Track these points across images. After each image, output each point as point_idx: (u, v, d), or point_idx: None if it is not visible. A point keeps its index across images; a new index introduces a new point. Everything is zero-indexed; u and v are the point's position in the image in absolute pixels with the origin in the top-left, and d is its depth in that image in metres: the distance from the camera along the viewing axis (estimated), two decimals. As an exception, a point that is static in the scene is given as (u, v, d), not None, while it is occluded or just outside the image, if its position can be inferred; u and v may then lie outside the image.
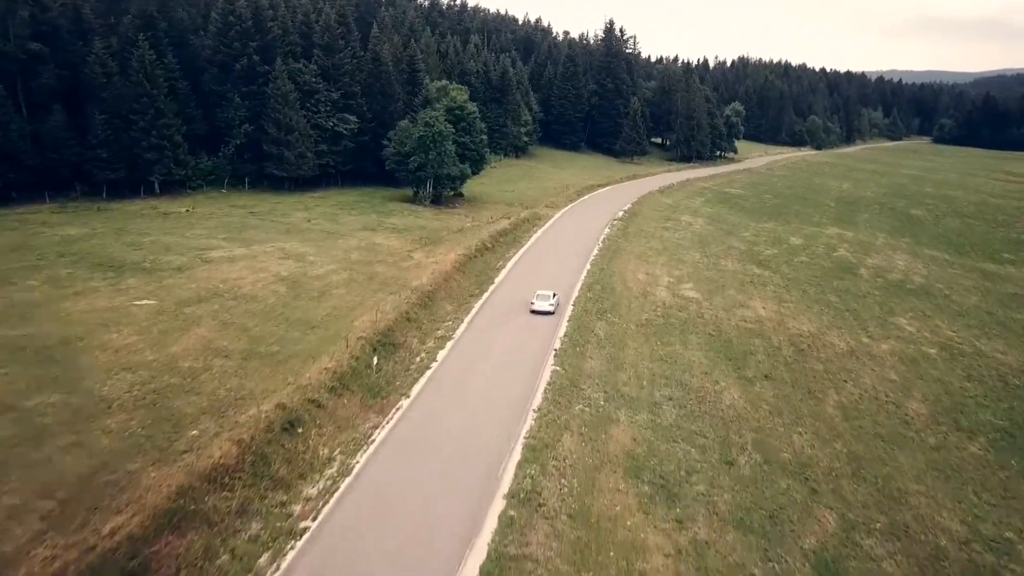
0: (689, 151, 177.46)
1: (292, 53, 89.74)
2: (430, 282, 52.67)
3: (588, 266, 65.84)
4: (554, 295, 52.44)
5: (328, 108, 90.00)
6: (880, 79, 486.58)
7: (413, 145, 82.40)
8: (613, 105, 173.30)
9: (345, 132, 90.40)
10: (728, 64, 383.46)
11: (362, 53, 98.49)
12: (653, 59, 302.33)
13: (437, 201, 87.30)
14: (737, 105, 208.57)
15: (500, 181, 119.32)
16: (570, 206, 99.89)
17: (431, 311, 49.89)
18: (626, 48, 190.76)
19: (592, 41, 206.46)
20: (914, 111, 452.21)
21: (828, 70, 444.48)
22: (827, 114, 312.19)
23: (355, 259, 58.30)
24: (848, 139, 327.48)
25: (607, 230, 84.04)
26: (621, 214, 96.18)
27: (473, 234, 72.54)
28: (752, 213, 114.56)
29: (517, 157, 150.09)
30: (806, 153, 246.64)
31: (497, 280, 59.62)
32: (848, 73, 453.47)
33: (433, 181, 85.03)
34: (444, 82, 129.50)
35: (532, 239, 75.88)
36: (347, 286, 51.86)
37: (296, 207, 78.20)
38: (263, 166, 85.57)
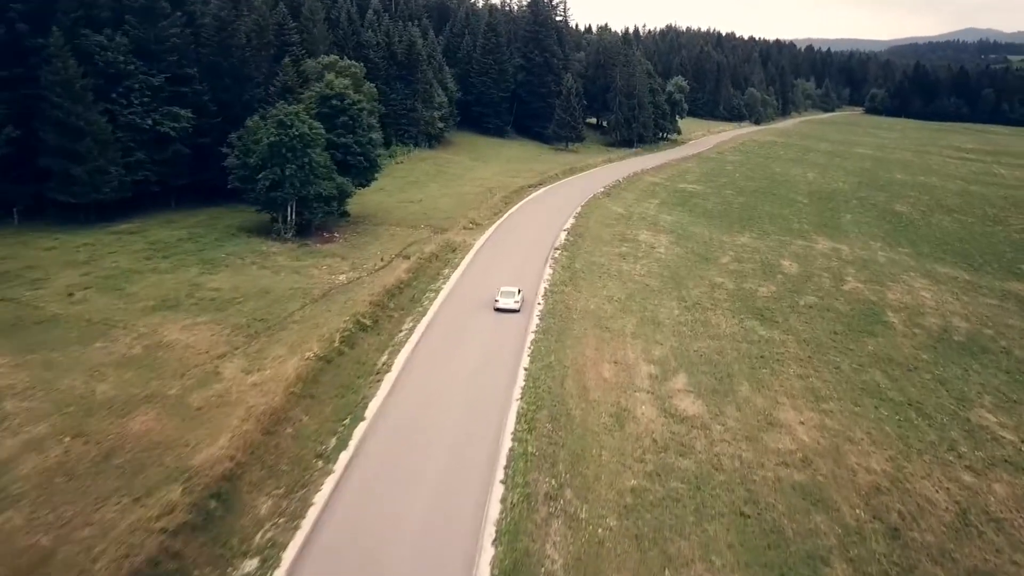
0: (630, 134, 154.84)
1: (87, 20, 61.81)
2: (230, 451, 27.71)
3: (526, 359, 41.69)
4: None
5: (147, 100, 62.84)
6: (810, 48, 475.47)
7: (262, 154, 56.31)
8: (543, 82, 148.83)
9: (174, 133, 63.41)
10: (658, 33, 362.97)
11: (202, 19, 70.91)
12: (583, 28, 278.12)
13: (305, 231, 61.41)
14: (680, 80, 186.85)
15: (405, 185, 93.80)
16: (495, 225, 75.48)
17: (216, 532, 25.06)
18: (556, 15, 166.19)
19: (516, 8, 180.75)
20: (844, 81, 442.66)
21: (758, 39, 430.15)
22: (763, 86, 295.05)
23: (98, 398, 31.99)
24: (784, 111, 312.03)
25: (548, 268, 59.98)
26: (563, 236, 72.36)
27: (346, 298, 47.54)
28: (720, 220, 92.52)
29: (431, 147, 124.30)
30: (749, 130, 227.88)
31: (371, 409, 34.83)
32: (778, 42, 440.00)
33: (296, 204, 59.09)
34: (332, 58, 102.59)
35: (440, 297, 51.08)
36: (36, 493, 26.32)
37: (74, 257, 50.89)
38: (42, 188, 58.09)
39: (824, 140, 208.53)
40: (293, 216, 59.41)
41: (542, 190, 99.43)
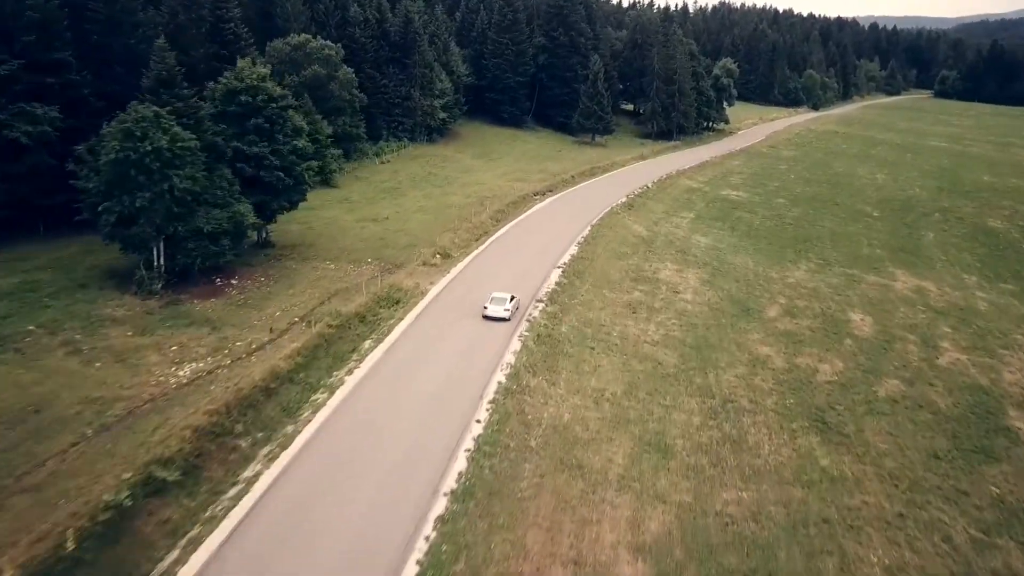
0: (668, 124, 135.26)
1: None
2: None
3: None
4: None
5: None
6: (874, 26, 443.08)
7: (106, 176, 39.86)
8: (568, 65, 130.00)
9: (27, 139, 47.44)
10: (709, 11, 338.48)
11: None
12: (620, 3, 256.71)
13: (186, 278, 44.77)
14: (728, 63, 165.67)
15: (378, 194, 77.09)
16: (471, 257, 58.40)
17: None
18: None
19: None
20: (910, 61, 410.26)
21: (818, 16, 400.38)
22: (822, 67, 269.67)
23: None
24: (845, 95, 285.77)
25: (517, 341, 42.35)
26: (556, 275, 54.99)
27: (163, 419, 30.80)
28: (769, 242, 73.79)
29: (431, 141, 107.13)
30: (806, 118, 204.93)
31: None
32: (840, 20, 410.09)
33: (164, 246, 42.53)
34: (304, 37, 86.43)
35: (322, 414, 33.41)
36: None
37: None
38: None
39: (891, 129, 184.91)
40: (161, 260, 42.89)
41: (549, 199, 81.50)
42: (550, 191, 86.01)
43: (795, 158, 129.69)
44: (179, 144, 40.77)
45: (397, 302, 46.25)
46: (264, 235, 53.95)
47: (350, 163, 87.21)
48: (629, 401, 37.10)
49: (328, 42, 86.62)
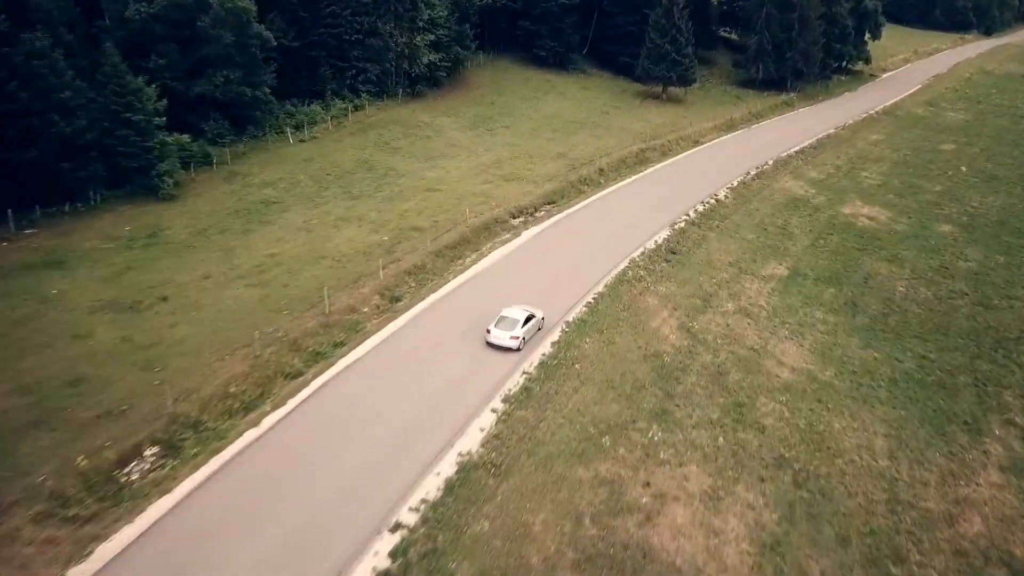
0: (780, 70, 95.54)
1: None
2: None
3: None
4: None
5: None
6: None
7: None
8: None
9: None
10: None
11: None
12: None
13: None
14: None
15: (222, 218, 45.68)
16: (233, 452, 26.52)
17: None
18: None
19: None
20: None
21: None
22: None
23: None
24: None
25: None
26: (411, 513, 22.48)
27: None
28: (926, 344, 38.55)
29: (414, 95, 74.00)
30: (977, 48, 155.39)
31: None
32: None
33: None
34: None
35: None
36: None
37: None
38: None
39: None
40: None
41: (527, 235, 47.76)
42: (547, 207, 52.15)
43: (967, 126, 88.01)
44: None
45: None
46: None
47: (241, 144, 55.84)
48: None
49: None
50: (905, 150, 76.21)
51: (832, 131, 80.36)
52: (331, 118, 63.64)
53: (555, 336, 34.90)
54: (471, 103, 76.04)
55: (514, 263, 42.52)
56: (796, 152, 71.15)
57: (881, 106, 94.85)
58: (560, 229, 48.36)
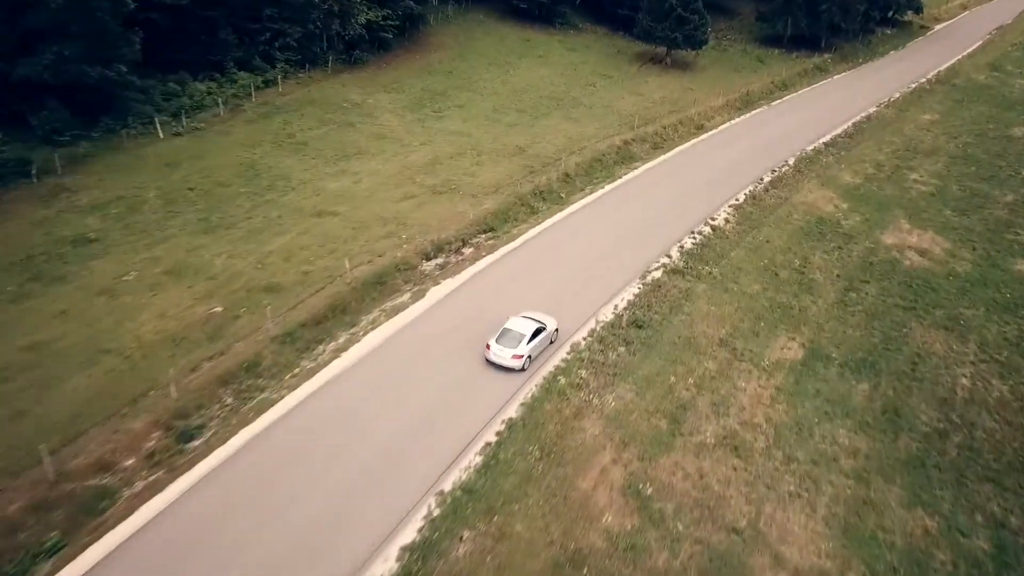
0: (814, 27, 79.16)
1: None
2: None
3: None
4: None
5: None
6: None
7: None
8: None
9: None
10: None
11: None
12: None
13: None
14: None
15: None
16: None
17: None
18: None
19: None
20: None
21: None
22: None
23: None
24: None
25: None
26: None
27: None
28: (1004, 495, 24.81)
29: (351, 62, 59.71)
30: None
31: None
32: None
33: None
34: None
35: None
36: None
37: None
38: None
39: None
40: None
41: (446, 288, 34.35)
42: (480, 239, 38.40)
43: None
44: None
45: None
46: None
47: (88, 142, 42.28)
48: None
49: None
50: (965, 136, 60.77)
51: (874, 109, 64.87)
52: (225, 100, 49.59)
53: (410, 535, 21.65)
54: (423, 72, 61.45)
55: (399, 356, 29.12)
56: (827, 143, 56.19)
57: (934, 71, 78.43)
58: (486, 282, 34.76)
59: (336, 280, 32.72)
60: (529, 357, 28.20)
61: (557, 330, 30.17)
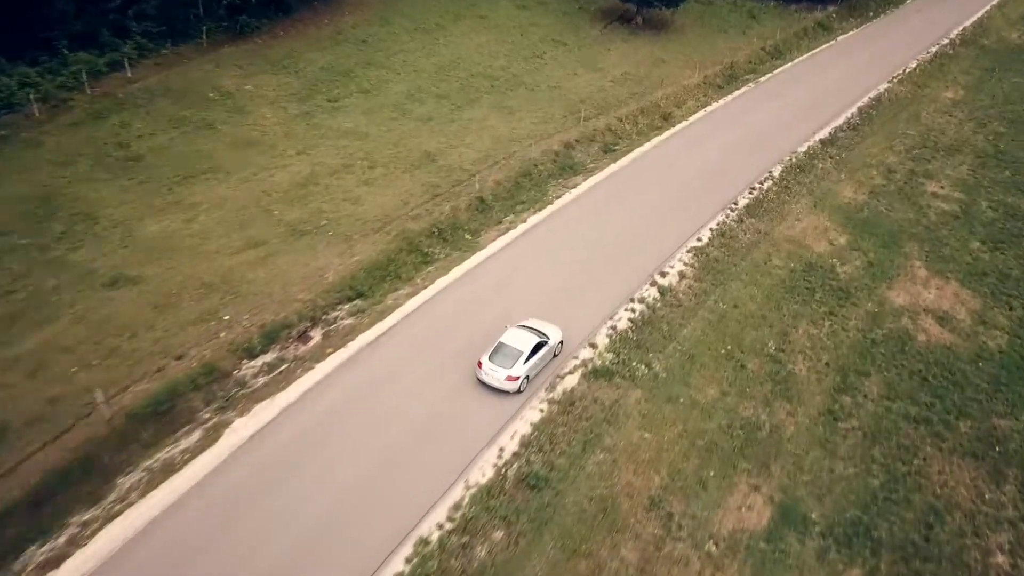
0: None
1: None
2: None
3: None
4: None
5: None
6: None
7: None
8: None
9: None
10: None
11: None
12: None
13: None
14: None
15: None
16: None
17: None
18: None
19: None
20: None
21: None
22: None
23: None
24: None
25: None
26: None
27: None
28: None
29: (238, 32, 47.72)
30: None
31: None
32: None
33: None
34: None
35: None
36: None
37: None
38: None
39: None
40: None
41: (264, 417, 24.17)
42: (340, 311, 27.91)
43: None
44: None
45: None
46: None
47: None
48: None
49: None
50: (996, 124, 49.31)
51: (885, 87, 53.10)
52: (45, 95, 38.13)
53: None
54: (330, 42, 49.57)
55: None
56: (825, 138, 44.84)
57: (958, 28, 66.10)
58: (327, 400, 24.32)
59: (92, 415, 22.33)
60: (527, 378, 24.41)
61: (562, 342, 26.25)
